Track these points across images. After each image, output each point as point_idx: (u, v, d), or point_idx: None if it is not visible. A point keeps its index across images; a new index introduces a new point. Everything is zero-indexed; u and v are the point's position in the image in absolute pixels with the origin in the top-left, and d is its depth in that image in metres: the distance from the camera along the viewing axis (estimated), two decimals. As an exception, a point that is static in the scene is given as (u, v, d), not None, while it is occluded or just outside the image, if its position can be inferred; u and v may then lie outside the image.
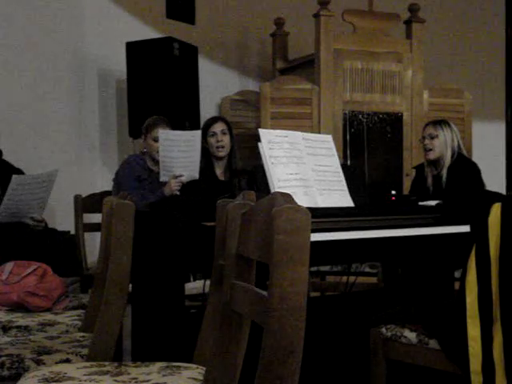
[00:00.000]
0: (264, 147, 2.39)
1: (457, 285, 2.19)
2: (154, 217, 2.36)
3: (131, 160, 3.93)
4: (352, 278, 3.53)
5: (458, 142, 3.92)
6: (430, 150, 3.90)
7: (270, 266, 0.96)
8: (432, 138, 3.91)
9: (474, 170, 3.87)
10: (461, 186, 3.74)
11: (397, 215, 2.52)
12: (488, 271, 1.84)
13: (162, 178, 3.56)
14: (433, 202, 2.82)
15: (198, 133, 3.54)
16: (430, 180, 3.96)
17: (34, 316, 2.33)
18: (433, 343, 2.02)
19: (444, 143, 3.89)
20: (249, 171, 3.65)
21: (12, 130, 4.35)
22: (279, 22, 5.69)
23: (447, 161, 3.87)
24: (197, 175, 3.52)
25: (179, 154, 3.48)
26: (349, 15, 5.28)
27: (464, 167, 3.87)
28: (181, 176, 3.50)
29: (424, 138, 3.96)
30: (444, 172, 3.86)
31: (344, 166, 2.62)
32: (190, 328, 1.91)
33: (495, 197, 1.93)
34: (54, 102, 4.96)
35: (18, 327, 2.17)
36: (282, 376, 0.96)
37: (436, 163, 3.93)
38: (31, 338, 2.00)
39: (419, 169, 4.14)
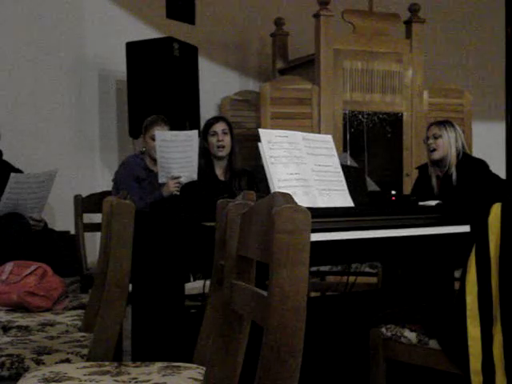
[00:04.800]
0: (264, 147, 2.39)
1: (457, 285, 2.19)
2: (154, 217, 2.36)
3: (130, 160, 3.93)
4: (352, 278, 3.53)
5: (462, 142, 3.92)
6: (435, 150, 3.90)
7: (270, 266, 0.96)
8: (436, 138, 3.90)
9: (483, 167, 3.87)
10: (472, 183, 3.74)
11: (397, 215, 2.52)
12: (488, 271, 1.84)
13: (161, 180, 3.56)
14: (433, 202, 2.82)
15: (195, 133, 3.54)
16: (434, 180, 3.96)
17: (33, 316, 2.33)
18: (433, 343, 2.02)
19: (448, 143, 3.88)
20: (249, 171, 3.65)
21: (12, 131, 4.35)
22: (279, 22, 5.69)
23: (453, 160, 3.87)
24: (195, 176, 3.52)
25: (176, 154, 3.49)
26: (349, 15, 5.28)
27: (473, 165, 3.87)
28: (179, 177, 3.50)
29: (428, 138, 3.96)
30: (453, 170, 3.85)
31: (344, 166, 2.62)
32: (189, 328, 1.91)
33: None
34: (54, 102, 4.96)
35: (18, 327, 2.17)
36: (281, 376, 0.96)
37: (440, 163, 3.93)
38: (31, 338, 2.00)
39: (422, 169, 4.13)
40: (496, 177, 3.86)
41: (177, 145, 3.47)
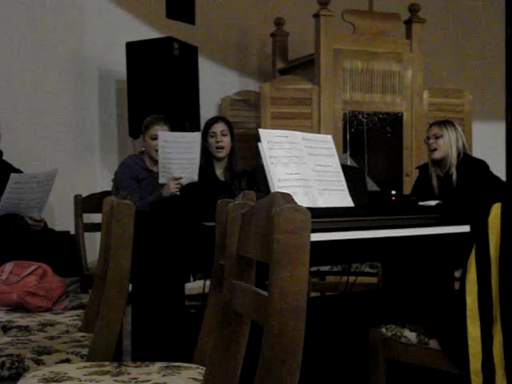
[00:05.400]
0: (264, 147, 2.39)
1: (457, 285, 2.19)
2: (154, 217, 2.36)
3: (129, 161, 3.92)
4: (352, 278, 3.53)
5: (463, 142, 3.92)
6: (435, 149, 3.89)
7: (270, 265, 0.96)
8: (437, 137, 3.90)
9: (484, 167, 3.87)
10: (472, 183, 3.73)
11: (397, 215, 2.52)
12: (488, 271, 1.84)
13: (161, 180, 3.55)
14: (433, 202, 2.82)
15: (198, 135, 3.54)
16: (434, 180, 3.96)
17: (33, 316, 2.33)
18: (433, 343, 2.02)
19: (448, 143, 3.88)
20: (249, 171, 3.65)
21: (12, 130, 4.35)
22: (279, 22, 5.69)
23: (453, 160, 3.86)
24: (196, 177, 3.52)
25: (178, 155, 3.48)
26: (349, 15, 5.28)
27: (473, 165, 3.86)
28: (180, 178, 3.50)
29: (429, 138, 3.96)
30: (453, 171, 3.85)
31: (344, 166, 2.62)
32: (190, 328, 1.91)
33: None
34: (54, 102, 4.96)
35: (18, 327, 2.17)
36: (281, 376, 0.96)
37: (440, 163, 3.93)
38: (31, 338, 2.00)
39: (423, 169, 4.13)
40: (496, 178, 3.86)
41: (179, 146, 3.47)
